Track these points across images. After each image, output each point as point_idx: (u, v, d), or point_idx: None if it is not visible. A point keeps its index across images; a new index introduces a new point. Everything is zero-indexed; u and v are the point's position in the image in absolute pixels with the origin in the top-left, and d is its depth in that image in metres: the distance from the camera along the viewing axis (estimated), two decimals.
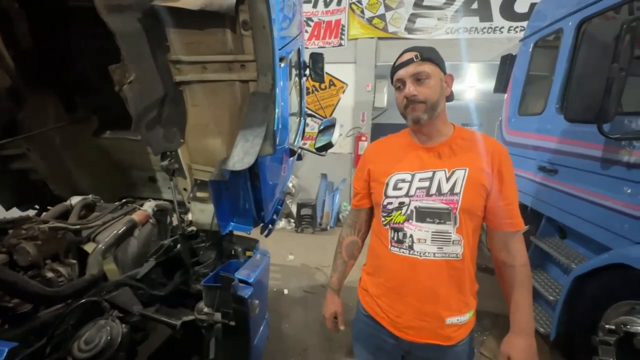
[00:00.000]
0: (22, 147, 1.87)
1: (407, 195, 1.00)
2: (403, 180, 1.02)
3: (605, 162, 1.80)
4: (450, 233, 0.96)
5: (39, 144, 1.86)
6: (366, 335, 1.17)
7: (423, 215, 0.98)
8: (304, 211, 5.03)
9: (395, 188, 1.03)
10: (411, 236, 0.99)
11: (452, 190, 0.96)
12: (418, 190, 0.99)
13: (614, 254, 1.66)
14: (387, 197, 1.04)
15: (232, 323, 1.25)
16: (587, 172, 1.93)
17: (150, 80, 1.31)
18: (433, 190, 0.98)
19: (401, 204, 1.01)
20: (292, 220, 5.32)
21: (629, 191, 1.65)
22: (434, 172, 0.99)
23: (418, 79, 0.98)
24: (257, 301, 1.32)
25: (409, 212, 0.99)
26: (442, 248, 0.97)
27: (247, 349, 1.35)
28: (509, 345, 0.99)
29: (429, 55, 0.98)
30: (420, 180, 1.00)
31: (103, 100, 1.78)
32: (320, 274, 3.60)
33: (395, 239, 1.02)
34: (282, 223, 5.33)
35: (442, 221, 0.96)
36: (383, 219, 1.06)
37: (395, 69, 1.03)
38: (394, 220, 1.02)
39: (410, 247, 0.99)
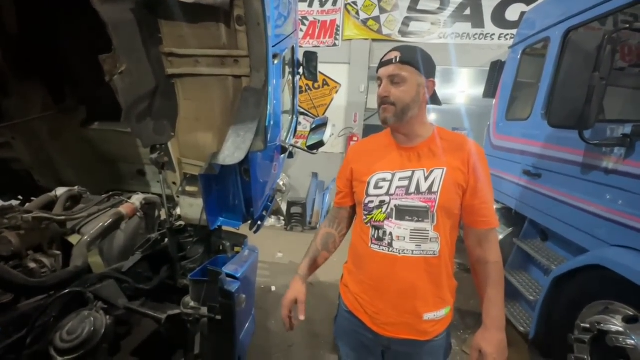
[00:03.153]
0: (6, 136, 1.82)
1: (387, 194, 1.03)
2: (384, 180, 1.04)
3: (586, 167, 1.86)
4: (428, 231, 0.99)
5: (25, 133, 1.83)
6: (348, 331, 1.18)
7: (402, 213, 1.00)
8: (294, 209, 5.04)
9: (376, 187, 1.05)
10: (391, 234, 1.01)
11: (430, 189, 0.99)
12: (398, 189, 1.02)
13: (591, 255, 1.72)
14: (368, 195, 1.06)
15: (218, 317, 1.25)
16: (568, 177, 2.00)
17: (141, 72, 1.30)
18: (412, 189, 1.00)
19: (382, 202, 1.03)
20: (282, 218, 5.31)
21: (606, 196, 1.72)
22: (413, 172, 1.02)
23: (393, 81, 1.00)
24: (243, 296, 1.32)
25: (389, 210, 1.02)
26: (420, 245, 0.99)
27: (233, 344, 1.35)
28: (481, 339, 1.01)
29: (410, 58, 1.00)
30: (400, 179, 1.02)
31: (92, 90, 1.75)
32: None
33: (376, 236, 1.04)
34: (272, 221, 5.32)
35: (420, 219, 0.99)
36: (364, 217, 1.08)
37: (378, 66, 1.06)
38: (375, 218, 1.04)
39: (390, 245, 1.01)
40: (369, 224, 1.06)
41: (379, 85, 1.05)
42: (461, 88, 7.57)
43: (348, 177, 1.16)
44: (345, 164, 1.20)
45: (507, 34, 4.89)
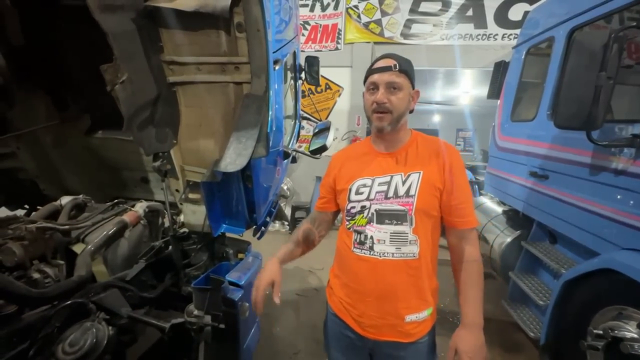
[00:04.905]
0: (11, 146, 1.84)
1: (368, 199, 1.06)
2: (364, 185, 1.08)
3: (594, 168, 1.82)
4: (407, 233, 1.02)
5: (29, 143, 1.84)
6: (336, 333, 1.20)
7: (382, 217, 1.03)
8: (298, 214, 5.03)
9: (357, 193, 1.09)
10: (371, 237, 1.04)
11: (407, 193, 1.02)
12: (377, 194, 1.05)
13: (602, 259, 1.68)
14: (350, 201, 1.10)
15: (222, 326, 1.24)
16: (576, 178, 1.96)
17: (142, 81, 1.30)
18: (390, 193, 1.04)
19: (363, 207, 1.07)
20: (286, 223, 5.30)
21: (616, 198, 1.68)
22: (391, 177, 1.06)
23: (392, 87, 1.02)
24: (247, 304, 1.31)
25: (370, 215, 1.05)
26: (400, 248, 1.02)
27: (237, 352, 1.34)
28: (457, 338, 1.02)
29: (405, 67, 1.04)
30: (380, 184, 1.06)
31: (95, 98, 1.76)
32: (313, 276, 3.59)
33: (358, 240, 1.07)
34: (276, 225, 5.31)
35: (399, 222, 1.02)
36: (347, 223, 1.11)
37: (371, 71, 1.07)
38: (357, 223, 1.08)
39: (371, 248, 1.04)
40: (351, 229, 1.10)
41: (370, 90, 1.07)
42: (465, 89, 7.53)
43: (331, 184, 1.20)
44: (328, 171, 1.24)
45: (511, 34, 4.85)
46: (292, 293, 3.21)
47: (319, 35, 5.62)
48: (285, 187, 5.41)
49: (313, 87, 5.59)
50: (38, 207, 1.87)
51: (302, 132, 5.17)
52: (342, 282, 1.15)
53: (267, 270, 1.12)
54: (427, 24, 5.18)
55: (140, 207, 1.71)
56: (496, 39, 4.98)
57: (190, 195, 1.58)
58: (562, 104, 1.75)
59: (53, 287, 1.17)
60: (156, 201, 1.91)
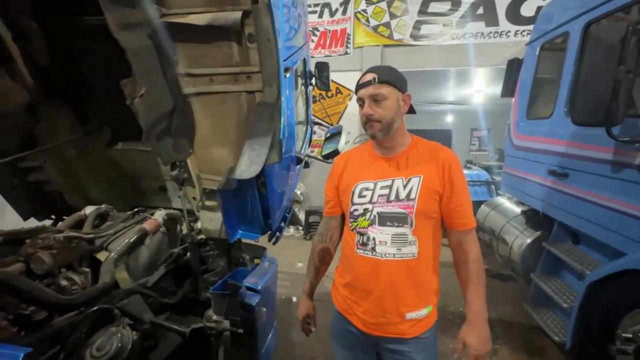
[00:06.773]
0: (39, 160, 1.93)
1: (370, 202, 1.11)
2: (367, 189, 1.13)
3: (617, 165, 1.76)
4: (407, 235, 1.07)
5: (55, 156, 1.93)
6: (341, 331, 1.25)
7: (384, 219, 1.08)
8: (312, 218, 5.04)
9: (360, 196, 1.13)
10: (374, 239, 1.09)
11: (408, 196, 1.07)
12: (380, 197, 1.10)
13: (629, 259, 1.61)
14: (353, 204, 1.14)
15: (240, 330, 1.26)
16: (598, 176, 1.89)
17: (159, 93, 1.36)
18: (392, 196, 1.08)
19: (365, 210, 1.11)
20: (301, 228, 5.32)
21: None
22: (393, 180, 1.10)
23: (375, 99, 1.07)
24: (264, 309, 1.33)
25: (372, 217, 1.10)
26: (400, 249, 1.07)
27: (255, 356, 1.35)
28: (465, 333, 1.10)
29: (386, 77, 1.08)
30: (382, 188, 1.11)
31: (115, 112, 1.84)
32: (329, 281, 3.55)
33: (361, 242, 1.12)
34: (290, 230, 5.34)
35: (400, 224, 1.07)
36: (351, 224, 1.16)
37: (357, 87, 1.13)
38: (360, 225, 1.12)
39: (373, 249, 1.09)
40: (354, 230, 1.15)
41: (361, 106, 1.12)
42: (478, 88, 7.40)
43: (336, 184, 1.24)
44: (331, 173, 1.28)
45: (524, 31, 4.75)
46: None
47: (328, 41, 5.67)
48: (298, 192, 5.43)
49: (324, 92, 5.62)
50: (64, 217, 1.96)
51: (314, 137, 5.19)
52: (346, 281, 1.20)
53: (302, 307, 1.35)
54: (437, 25, 5.14)
55: (160, 215, 1.76)
56: (509, 36, 4.89)
57: (207, 203, 1.62)
58: (579, 100, 1.71)
59: (80, 294, 1.22)
60: (174, 209, 1.96)
